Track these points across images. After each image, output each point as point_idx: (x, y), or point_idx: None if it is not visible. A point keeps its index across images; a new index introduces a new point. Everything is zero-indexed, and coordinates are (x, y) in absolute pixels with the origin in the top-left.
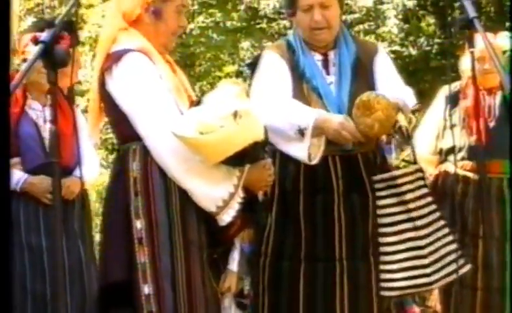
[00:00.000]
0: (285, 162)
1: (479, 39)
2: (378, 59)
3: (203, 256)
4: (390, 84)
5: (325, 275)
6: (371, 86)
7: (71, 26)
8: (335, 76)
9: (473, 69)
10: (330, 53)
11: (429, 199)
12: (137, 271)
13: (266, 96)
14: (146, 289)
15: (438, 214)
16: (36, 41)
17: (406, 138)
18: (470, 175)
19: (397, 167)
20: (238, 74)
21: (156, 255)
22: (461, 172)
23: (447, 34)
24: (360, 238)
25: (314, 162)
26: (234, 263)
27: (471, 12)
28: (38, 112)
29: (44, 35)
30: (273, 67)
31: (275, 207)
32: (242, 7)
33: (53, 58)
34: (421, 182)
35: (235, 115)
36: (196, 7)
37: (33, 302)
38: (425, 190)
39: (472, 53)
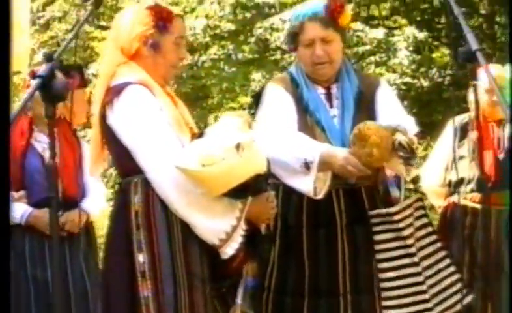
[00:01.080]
0: (288, 196)
1: (488, 70)
2: (380, 92)
3: (206, 289)
4: (391, 114)
5: (328, 311)
6: (373, 119)
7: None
8: (338, 110)
9: (476, 102)
10: (333, 87)
11: (430, 229)
12: (140, 305)
13: (272, 129)
14: None
15: (438, 244)
16: (33, 75)
17: (410, 152)
18: (479, 207)
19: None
20: (252, 106)
21: (159, 288)
22: (470, 204)
23: (460, 65)
24: (364, 272)
25: (320, 196)
26: (241, 297)
27: (474, 44)
28: (44, 144)
29: (42, 69)
30: (279, 100)
31: (278, 242)
32: (253, 39)
33: (51, 92)
34: (421, 212)
35: (237, 147)
36: (208, 39)
37: None
38: (425, 220)
39: (475, 85)
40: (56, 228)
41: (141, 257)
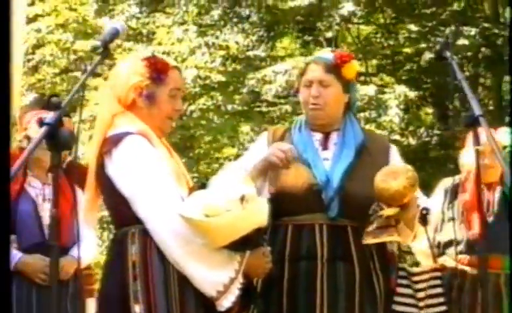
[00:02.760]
0: (274, 232)
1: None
2: (392, 158)
3: None
4: None
5: None
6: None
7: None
8: (334, 153)
9: (477, 167)
10: (333, 133)
11: (441, 299)
12: None
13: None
14: None
15: None
16: (41, 122)
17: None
18: (468, 269)
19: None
20: (237, 158)
21: None
22: (459, 266)
23: (446, 125)
24: (342, 310)
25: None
26: None
27: (477, 110)
28: (38, 190)
29: (49, 117)
30: (253, 147)
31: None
32: (245, 90)
33: (58, 140)
34: (437, 282)
35: (242, 199)
36: (198, 89)
37: None
38: (439, 290)
39: (477, 150)
40: (56, 277)
41: (137, 308)
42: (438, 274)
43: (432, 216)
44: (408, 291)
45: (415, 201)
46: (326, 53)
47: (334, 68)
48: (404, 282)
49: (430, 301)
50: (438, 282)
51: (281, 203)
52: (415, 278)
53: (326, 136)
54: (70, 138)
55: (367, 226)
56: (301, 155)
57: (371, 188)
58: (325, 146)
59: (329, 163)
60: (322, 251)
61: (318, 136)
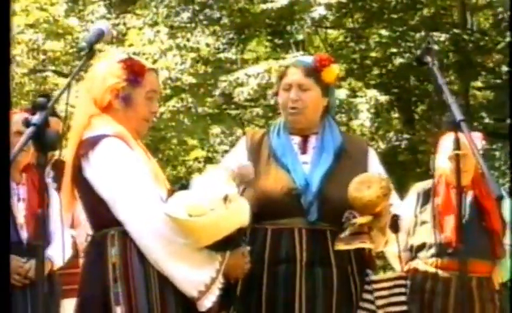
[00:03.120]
0: (253, 234)
1: (450, 138)
2: (370, 161)
3: None
4: None
5: None
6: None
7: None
8: (313, 156)
9: (458, 171)
10: (311, 137)
11: (403, 308)
12: None
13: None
14: None
15: None
16: (27, 123)
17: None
18: (440, 272)
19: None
20: (207, 160)
21: None
22: (431, 269)
23: (413, 130)
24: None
25: None
26: None
27: (458, 114)
28: (12, 190)
29: (36, 117)
30: (233, 152)
31: (240, 281)
32: (217, 92)
33: (44, 141)
34: (401, 290)
35: (225, 199)
36: (169, 91)
37: None
38: (402, 298)
39: (458, 155)
40: (42, 277)
41: (118, 310)
42: (403, 282)
43: (405, 221)
44: (370, 296)
45: (388, 209)
46: (306, 57)
47: (314, 72)
48: (369, 287)
49: (390, 309)
50: (402, 289)
51: (261, 207)
52: (374, 286)
53: (305, 140)
54: (56, 139)
55: (340, 232)
56: (280, 159)
57: None
58: (304, 150)
59: (308, 167)
60: (301, 255)
61: (296, 140)
